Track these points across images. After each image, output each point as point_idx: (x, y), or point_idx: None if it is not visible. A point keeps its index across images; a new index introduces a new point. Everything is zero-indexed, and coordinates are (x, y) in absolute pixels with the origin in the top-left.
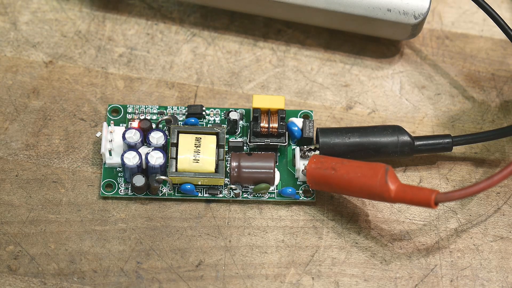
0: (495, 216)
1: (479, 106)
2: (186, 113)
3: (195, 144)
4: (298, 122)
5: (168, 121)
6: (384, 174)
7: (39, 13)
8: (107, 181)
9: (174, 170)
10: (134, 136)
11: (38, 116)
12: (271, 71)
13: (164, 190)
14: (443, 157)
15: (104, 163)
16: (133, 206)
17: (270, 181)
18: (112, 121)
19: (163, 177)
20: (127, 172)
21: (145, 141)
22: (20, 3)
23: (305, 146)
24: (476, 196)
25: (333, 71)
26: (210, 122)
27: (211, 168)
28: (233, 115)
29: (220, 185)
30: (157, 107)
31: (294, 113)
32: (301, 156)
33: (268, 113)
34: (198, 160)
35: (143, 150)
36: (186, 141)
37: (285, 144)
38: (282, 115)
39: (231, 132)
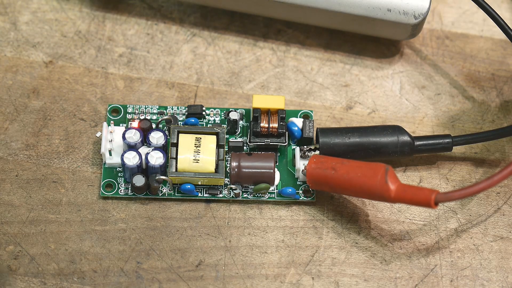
0: (495, 216)
1: (479, 106)
2: (186, 113)
3: (195, 144)
4: (298, 122)
5: (168, 121)
6: (384, 174)
7: (39, 13)
8: (107, 181)
9: (174, 170)
10: (134, 136)
11: (38, 116)
12: (271, 71)
13: (164, 190)
14: (443, 157)
15: (104, 163)
16: (133, 206)
17: (270, 181)
18: (112, 121)
19: (163, 177)
20: (127, 172)
21: (145, 141)
22: (20, 3)
23: (305, 146)
24: (476, 196)
25: (333, 71)
26: (210, 122)
27: (211, 168)
28: (233, 115)
29: (220, 185)
30: (157, 107)
31: (294, 113)
32: (301, 156)
33: (268, 113)
34: (198, 160)
35: (143, 150)
36: (186, 141)
37: (285, 144)
38: (282, 115)
39: (231, 132)
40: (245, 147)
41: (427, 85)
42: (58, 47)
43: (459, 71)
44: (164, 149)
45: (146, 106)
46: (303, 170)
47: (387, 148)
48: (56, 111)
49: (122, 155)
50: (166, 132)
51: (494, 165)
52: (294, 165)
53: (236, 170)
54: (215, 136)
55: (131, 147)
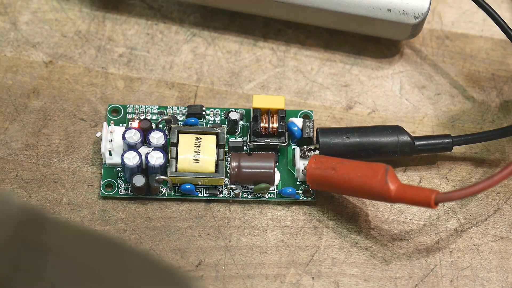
0: (495, 216)
1: (479, 106)
2: (186, 113)
3: (195, 144)
4: (298, 122)
5: (168, 121)
6: (384, 174)
7: (39, 13)
8: (107, 181)
9: (174, 170)
10: (134, 136)
11: (38, 116)
12: (271, 71)
13: (164, 190)
14: (443, 157)
15: (104, 163)
16: (133, 206)
17: (270, 181)
18: (112, 121)
19: (163, 177)
20: (127, 172)
21: (145, 141)
22: (20, 3)
23: (305, 146)
24: (476, 196)
25: (333, 71)
26: (210, 122)
27: (211, 168)
28: (233, 115)
29: (220, 185)
30: (157, 107)
31: (294, 113)
32: (301, 156)
33: (268, 113)
34: (198, 160)
35: (143, 150)
36: (186, 141)
37: (285, 144)
38: (282, 115)
39: (231, 132)
40: (245, 147)
41: (427, 85)
42: (58, 47)
43: (459, 71)
44: (164, 149)
45: (146, 106)
46: (303, 170)
47: (387, 148)
48: (56, 111)
49: (122, 155)
50: (166, 132)
51: (494, 165)
52: (294, 165)
53: (236, 170)
54: (215, 136)
55: (131, 147)
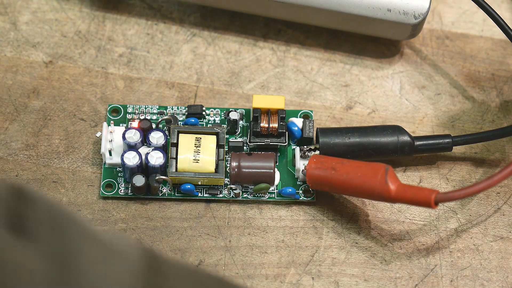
0: (495, 216)
1: (479, 106)
2: (186, 113)
3: (195, 144)
4: (298, 122)
5: (168, 121)
6: (384, 174)
7: (39, 13)
8: (107, 181)
9: (174, 170)
10: (134, 136)
11: (38, 116)
12: (271, 71)
13: (164, 190)
14: (443, 157)
15: (104, 163)
16: (133, 206)
17: (270, 181)
18: (112, 121)
19: (163, 177)
20: (127, 172)
21: (145, 141)
22: (20, 3)
23: (305, 146)
24: (476, 196)
25: (333, 71)
26: (210, 122)
27: (211, 168)
28: (233, 115)
29: (220, 185)
30: (157, 107)
31: (294, 113)
32: (301, 156)
33: (268, 113)
34: (198, 160)
35: (143, 150)
36: (186, 141)
37: (285, 144)
38: (282, 115)
39: (231, 132)
40: (245, 147)
41: (427, 85)
42: (58, 47)
43: (459, 71)
44: (164, 149)
45: (146, 106)
46: (303, 170)
47: (387, 148)
48: (56, 111)
49: (122, 155)
50: (166, 132)
51: (494, 165)
52: (294, 165)
53: (236, 170)
54: (215, 136)
55: (131, 147)
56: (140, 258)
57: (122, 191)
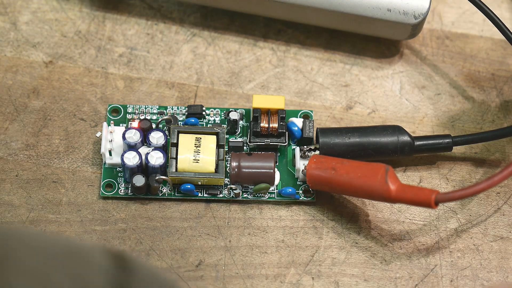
0: (495, 216)
1: (479, 106)
2: (186, 113)
3: (195, 144)
4: (298, 122)
5: (168, 121)
6: (384, 174)
7: (39, 13)
8: (107, 181)
9: (174, 170)
10: (134, 136)
11: (38, 116)
12: (271, 71)
13: (164, 190)
14: (443, 157)
15: (104, 163)
16: (133, 206)
17: (270, 181)
18: (112, 121)
19: (163, 177)
20: (127, 172)
21: (145, 141)
22: (20, 3)
23: (305, 146)
24: (476, 196)
25: (333, 71)
26: (210, 122)
27: (211, 168)
28: (233, 115)
29: (220, 185)
30: (157, 107)
31: (294, 113)
32: (301, 156)
33: (268, 113)
34: (198, 160)
35: (143, 150)
36: (186, 141)
37: (285, 144)
38: (282, 115)
39: (231, 132)
40: (245, 147)
41: (427, 85)
42: (58, 47)
43: (459, 71)
44: (164, 149)
45: (146, 106)
46: (303, 170)
47: (387, 148)
48: (56, 111)
49: (122, 155)
50: (166, 132)
51: (494, 165)
52: (294, 165)
53: (236, 170)
54: (215, 136)
55: (131, 147)
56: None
57: (122, 191)
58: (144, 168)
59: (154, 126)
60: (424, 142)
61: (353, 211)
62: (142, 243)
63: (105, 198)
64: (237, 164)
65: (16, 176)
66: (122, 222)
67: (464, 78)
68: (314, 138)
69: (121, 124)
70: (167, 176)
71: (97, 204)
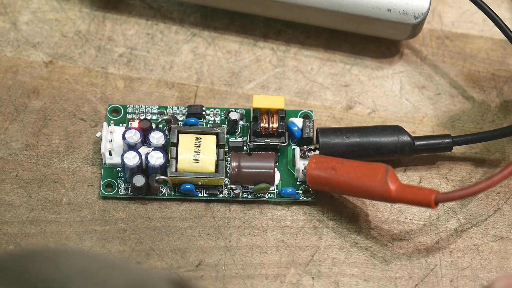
0: (495, 216)
1: (479, 106)
2: (186, 113)
3: (195, 144)
4: (298, 122)
5: (168, 121)
6: (384, 174)
7: (39, 13)
8: (107, 181)
9: (174, 170)
10: (134, 136)
11: (38, 116)
12: (271, 71)
13: (164, 190)
14: (443, 157)
15: (104, 163)
16: (133, 206)
17: (270, 181)
18: (112, 121)
19: (163, 177)
20: (127, 172)
21: (145, 141)
22: (20, 3)
23: (305, 146)
24: (476, 196)
25: (333, 71)
26: (210, 122)
27: (211, 168)
28: (233, 115)
29: (220, 185)
30: (157, 107)
31: (294, 113)
32: (301, 156)
33: (268, 113)
34: (198, 160)
35: (143, 150)
36: (186, 141)
37: (285, 144)
38: (282, 115)
39: (231, 132)
40: (245, 147)
41: (427, 85)
42: (58, 47)
43: (459, 71)
44: (164, 149)
45: (146, 106)
46: (303, 170)
47: (387, 148)
48: (56, 111)
49: (122, 155)
50: (166, 132)
51: (494, 165)
52: (294, 165)
53: (236, 170)
54: (215, 136)
55: (131, 147)
56: None
57: (122, 191)
58: (144, 168)
59: (154, 126)
60: (424, 142)
61: (353, 211)
62: (142, 243)
63: (105, 198)
64: (237, 164)
65: (16, 176)
66: (122, 222)
67: (464, 78)
68: (314, 138)
69: (121, 124)
70: (167, 176)
71: (97, 204)
